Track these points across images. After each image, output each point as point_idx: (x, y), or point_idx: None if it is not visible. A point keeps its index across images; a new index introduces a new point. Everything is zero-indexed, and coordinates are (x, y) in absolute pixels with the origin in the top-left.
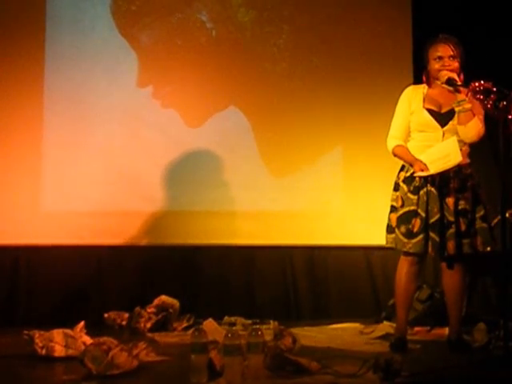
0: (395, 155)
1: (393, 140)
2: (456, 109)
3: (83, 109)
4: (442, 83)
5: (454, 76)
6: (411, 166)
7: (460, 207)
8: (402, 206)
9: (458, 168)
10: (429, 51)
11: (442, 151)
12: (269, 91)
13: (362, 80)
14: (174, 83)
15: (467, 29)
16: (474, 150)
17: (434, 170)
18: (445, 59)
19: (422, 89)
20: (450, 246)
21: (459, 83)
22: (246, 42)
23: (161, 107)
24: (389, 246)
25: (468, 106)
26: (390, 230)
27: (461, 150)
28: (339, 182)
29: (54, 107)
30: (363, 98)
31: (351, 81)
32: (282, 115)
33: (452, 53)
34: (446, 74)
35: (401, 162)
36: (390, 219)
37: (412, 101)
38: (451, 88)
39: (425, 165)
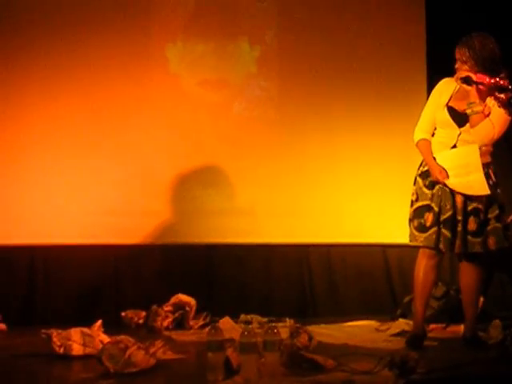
0: (418, 149)
1: (419, 132)
2: (467, 111)
3: (99, 109)
4: (459, 80)
5: (470, 74)
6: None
7: (471, 207)
8: (417, 200)
9: None
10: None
11: (460, 158)
12: (282, 88)
13: (375, 77)
14: (188, 85)
15: (482, 26)
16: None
17: (452, 185)
18: (458, 63)
19: (455, 84)
20: (457, 243)
21: (474, 79)
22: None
23: (175, 107)
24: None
25: (478, 108)
26: (408, 223)
27: (481, 148)
28: (356, 179)
29: (70, 105)
30: (377, 95)
31: (364, 78)
32: (296, 113)
33: (463, 57)
34: (461, 74)
35: (420, 158)
36: (409, 213)
37: (441, 95)
38: (469, 86)
39: (445, 171)
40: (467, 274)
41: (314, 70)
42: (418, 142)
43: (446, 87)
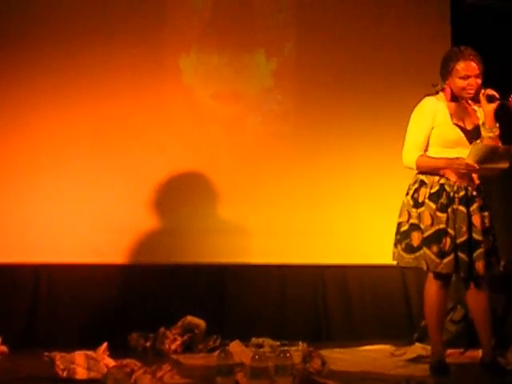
0: (419, 167)
1: (414, 152)
2: (486, 134)
3: (108, 122)
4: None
5: (493, 92)
6: (444, 170)
7: (486, 225)
8: (432, 224)
9: (478, 186)
10: (455, 67)
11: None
12: (299, 103)
13: (398, 93)
14: (202, 97)
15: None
16: None
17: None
18: (471, 78)
19: (443, 102)
20: (480, 265)
21: (497, 97)
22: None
23: (188, 121)
24: (410, 265)
25: (497, 132)
26: (410, 249)
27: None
28: (374, 198)
29: (79, 117)
30: (400, 112)
31: (387, 94)
32: (314, 129)
33: (478, 71)
34: (488, 91)
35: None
36: (410, 238)
37: (436, 114)
38: (490, 104)
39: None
40: (473, 296)
41: (334, 85)
42: (417, 161)
43: (437, 106)
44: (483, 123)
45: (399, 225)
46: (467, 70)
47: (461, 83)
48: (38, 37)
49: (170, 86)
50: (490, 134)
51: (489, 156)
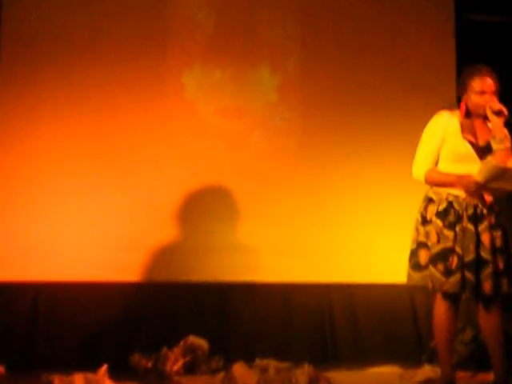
0: (428, 181)
1: (424, 166)
2: (496, 146)
3: (110, 138)
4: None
5: (500, 107)
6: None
7: (497, 245)
8: (438, 242)
9: (490, 204)
10: (471, 83)
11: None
12: (304, 119)
13: (404, 109)
14: (205, 113)
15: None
16: None
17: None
18: (487, 94)
19: (457, 117)
20: (487, 286)
21: (505, 112)
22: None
23: (191, 136)
24: (418, 284)
25: (508, 144)
26: (417, 267)
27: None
28: (382, 216)
29: (80, 133)
30: (406, 128)
31: (393, 109)
32: (319, 145)
33: (494, 88)
34: (496, 105)
35: (422, 195)
36: (417, 256)
37: (447, 128)
38: (498, 118)
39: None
40: (485, 317)
41: (339, 100)
42: (426, 175)
43: (449, 120)
44: (493, 136)
45: (411, 243)
46: (483, 86)
47: (476, 99)
48: (40, 50)
49: (174, 101)
50: (500, 146)
51: (498, 176)
